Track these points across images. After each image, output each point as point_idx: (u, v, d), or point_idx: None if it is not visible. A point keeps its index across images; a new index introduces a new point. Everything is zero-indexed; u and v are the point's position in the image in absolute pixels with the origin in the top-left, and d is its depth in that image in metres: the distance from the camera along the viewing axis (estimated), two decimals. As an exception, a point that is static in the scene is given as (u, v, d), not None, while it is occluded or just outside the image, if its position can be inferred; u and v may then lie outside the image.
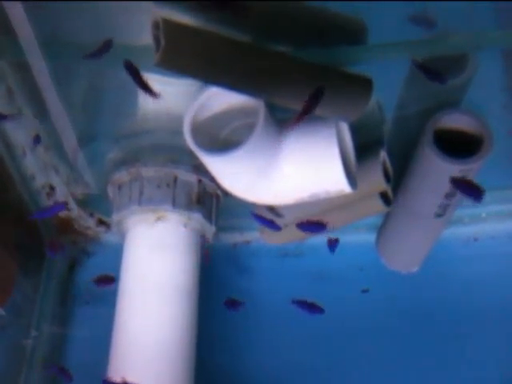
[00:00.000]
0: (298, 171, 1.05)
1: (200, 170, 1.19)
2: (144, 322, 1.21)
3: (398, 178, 1.24)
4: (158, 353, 1.19)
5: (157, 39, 0.86)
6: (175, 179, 1.24)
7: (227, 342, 1.40)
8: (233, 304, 1.16)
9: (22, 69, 1.09)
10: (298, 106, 0.99)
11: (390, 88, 1.14)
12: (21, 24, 1.00)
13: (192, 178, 1.25)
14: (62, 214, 1.45)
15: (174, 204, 1.23)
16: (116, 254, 1.29)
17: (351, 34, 1.00)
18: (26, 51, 1.03)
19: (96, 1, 0.91)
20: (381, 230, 1.44)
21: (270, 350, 1.40)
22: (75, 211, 1.45)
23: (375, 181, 1.17)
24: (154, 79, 1.06)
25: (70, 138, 1.22)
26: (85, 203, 1.44)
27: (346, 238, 1.31)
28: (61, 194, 1.41)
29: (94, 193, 1.39)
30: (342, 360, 1.39)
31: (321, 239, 1.39)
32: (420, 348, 1.39)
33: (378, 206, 1.21)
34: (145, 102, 1.16)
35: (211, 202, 1.30)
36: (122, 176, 1.26)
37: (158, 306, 1.22)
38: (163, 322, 1.22)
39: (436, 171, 1.12)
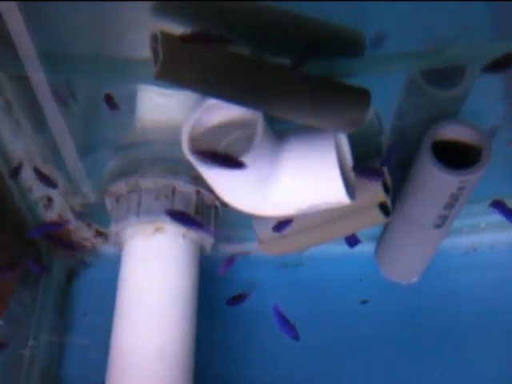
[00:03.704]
0: (296, 182, 1.05)
1: (198, 181, 1.19)
2: (142, 333, 1.21)
3: (397, 188, 1.24)
4: (157, 364, 1.19)
5: (155, 52, 0.86)
6: (173, 190, 1.24)
7: (226, 353, 1.39)
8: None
9: (21, 81, 1.09)
10: (296, 118, 0.99)
11: (388, 98, 1.15)
12: (20, 36, 1.00)
13: (190, 189, 1.25)
14: (60, 225, 1.45)
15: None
16: (114, 265, 1.28)
17: (349, 46, 1.00)
18: (26, 63, 1.03)
19: (97, 1, 0.91)
20: (380, 240, 1.44)
21: (269, 360, 1.39)
22: (73, 222, 1.44)
23: (374, 191, 1.17)
24: (153, 91, 1.07)
25: (68, 150, 1.22)
26: (83, 214, 1.43)
27: (346, 249, 1.31)
28: (58, 206, 1.41)
29: (92, 204, 1.39)
30: (341, 370, 1.38)
31: (320, 250, 1.40)
32: (420, 358, 1.38)
33: (377, 216, 1.21)
34: (143, 113, 1.16)
35: (210, 213, 1.29)
36: (121, 187, 1.26)
37: (157, 317, 1.22)
38: (161, 333, 1.21)
39: (435, 182, 1.12)
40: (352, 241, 1.18)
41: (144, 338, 1.21)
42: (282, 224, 1.11)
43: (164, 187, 1.24)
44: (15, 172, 1.25)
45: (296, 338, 1.06)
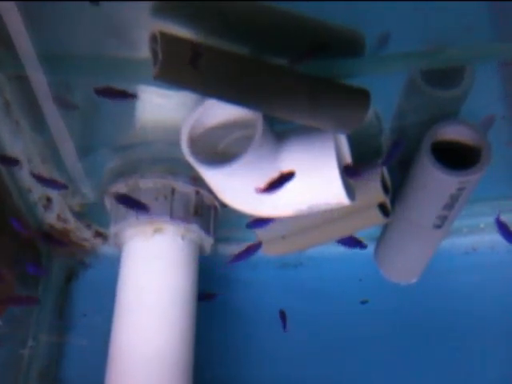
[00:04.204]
0: (296, 183, 1.05)
1: (198, 181, 1.19)
2: (142, 333, 1.21)
3: (397, 189, 1.24)
4: (156, 365, 1.19)
5: (155, 52, 0.86)
6: (173, 191, 1.24)
7: (226, 354, 1.39)
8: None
9: (20, 81, 1.09)
10: (295, 118, 0.99)
11: (388, 99, 1.15)
12: (19, 37, 1.00)
13: (190, 189, 1.25)
14: (59, 225, 1.45)
15: (172, 216, 1.22)
16: (113, 265, 1.28)
17: (349, 46, 1.00)
18: (25, 64, 1.03)
19: (96, 1, 0.91)
20: (380, 241, 1.44)
21: (268, 361, 1.39)
22: (72, 223, 1.44)
23: (374, 192, 1.17)
24: (152, 91, 1.07)
25: (68, 150, 1.22)
26: (82, 215, 1.43)
27: (345, 249, 1.31)
28: (58, 206, 1.41)
29: (92, 204, 1.39)
30: (341, 370, 1.38)
31: (320, 250, 1.40)
32: (420, 359, 1.38)
33: (377, 217, 1.21)
34: (143, 113, 1.16)
35: (209, 214, 1.29)
36: (120, 187, 1.26)
37: (156, 317, 1.22)
38: (161, 333, 1.21)
39: (434, 183, 1.12)
40: (351, 243, 1.18)
41: (143, 338, 1.20)
42: (258, 221, 1.09)
43: (163, 188, 1.23)
44: (3, 159, 1.24)
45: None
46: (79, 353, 1.39)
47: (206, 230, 1.28)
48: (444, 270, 1.44)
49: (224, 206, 1.17)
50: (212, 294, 1.26)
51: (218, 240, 1.36)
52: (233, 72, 0.91)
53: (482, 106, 1.16)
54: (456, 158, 1.11)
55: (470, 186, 1.11)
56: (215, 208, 1.31)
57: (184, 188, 1.24)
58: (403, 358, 1.38)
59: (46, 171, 1.30)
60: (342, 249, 1.32)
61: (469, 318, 1.41)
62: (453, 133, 1.12)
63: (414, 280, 1.44)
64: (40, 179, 1.23)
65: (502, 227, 1.02)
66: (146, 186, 1.24)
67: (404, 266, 1.43)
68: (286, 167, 1.04)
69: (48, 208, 1.41)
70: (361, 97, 1.00)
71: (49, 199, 1.40)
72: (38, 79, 1.07)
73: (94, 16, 0.97)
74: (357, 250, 1.34)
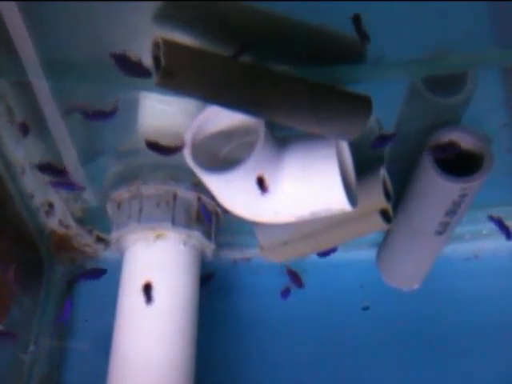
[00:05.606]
0: (298, 189, 1.05)
1: (200, 187, 1.19)
2: (143, 338, 1.21)
3: (399, 195, 1.24)
4: (157, 370, 1.19)
5: (157, 59, 0.86)
6: (175, 197, 1.24)
7: (227, 360, 1.39)
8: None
9: (23, 87, 1.10)
10: (297, 125, 0.99)
11: (389, 106, 1.15)
12: (22, 42, 1.00)
13: (191, 195, 1.25)
14: (61, 230, 1.45)
15: (174, 222, 1.23)
16: (115, 271, 1.28)
17: (351, 53, 1.00)
18: (28, 70, 1.03)
19: (96, 1, 0.91)
20: (381, 247, 1.44)
21: (270, 367, 1.39)
22: (74, 228, 1.44)
23: (375, 198, 1.17)
24: (154, 98, 1.07)
25: (70, 156, 1.22)
26: (84, 220, 1.43)
27: (347, 255, 1.32)
28: (60, 212, 1.41)
29: (93, 209, 1.39)
30: (343, 377, 1.38)
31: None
32: (421, 365, 1.38)
33: (379, 223, 1.20)
34: (145, 119, 1.16)
35: (211, 220, 1.29)
36: (122, 193, 1.26)
37: (157, 323, 1.22)
38: (162, 339, 1.21)
39: (436, 189, 1.12)
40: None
41: (145, 343, 1.21)
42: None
43: (165, 193, 1.24)
44: None
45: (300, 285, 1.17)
46: (81, 358, 1.39)
47: (208, 235, 1.28)
48: (446, 276, 1.44)
49: (226, 211, 1.17)
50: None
51: (220, 245, 1.36)
52: (234, 78, 0.91)
53: (484, 113, 1.16)
54: (458, 164, 1.11)
55: (472, 193, 1.11)
56: (217, 214, 1.31)
57: (186, 194, 1.24)
58: (405, 364, 1.38)
59: (47, 176, 1.30)
60: (343, 255, 1.32)
61: (471, 324, 1.41)
62: (455, 139, 1.12)
63: (415, 286, 1.44)
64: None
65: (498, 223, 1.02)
66: (147, 191, 1.24)
67: (406, 272, 1.43)
68: (287, 173, 1.04)
69: (50, 213, 1.41)
70: (363, 103, 1.00)
71: (51, 205, 1.40)
72: (41, 85, 1.07)
73: (97, 22, 0.97)
74: (359, 257, 1.35)
